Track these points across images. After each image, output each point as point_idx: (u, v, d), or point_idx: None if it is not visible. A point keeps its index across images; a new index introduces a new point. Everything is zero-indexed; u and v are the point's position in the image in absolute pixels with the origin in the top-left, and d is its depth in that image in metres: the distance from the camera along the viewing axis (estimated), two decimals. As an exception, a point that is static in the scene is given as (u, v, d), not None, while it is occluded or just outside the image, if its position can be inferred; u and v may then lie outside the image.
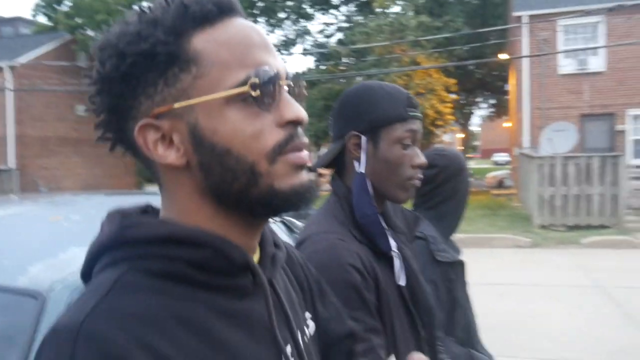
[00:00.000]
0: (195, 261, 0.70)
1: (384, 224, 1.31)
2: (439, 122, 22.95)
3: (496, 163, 51.67)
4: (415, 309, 1.34)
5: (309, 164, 0.74)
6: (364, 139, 1.31)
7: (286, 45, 29.89)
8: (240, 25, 0.73)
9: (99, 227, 0.76)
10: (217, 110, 0.69)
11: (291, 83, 0.75)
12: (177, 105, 0.69)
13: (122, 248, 0.71)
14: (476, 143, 79.57)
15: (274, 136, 0.71)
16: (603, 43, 17.71)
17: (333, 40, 28.59)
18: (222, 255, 0.71)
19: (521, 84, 18.80)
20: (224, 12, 0.72)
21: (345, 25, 28.36)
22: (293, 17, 30.16)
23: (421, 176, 1.36)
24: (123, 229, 0.72)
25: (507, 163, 39.17)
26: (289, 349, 0.78)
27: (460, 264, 2.07)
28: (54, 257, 1.02)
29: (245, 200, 0.71)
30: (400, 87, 1.38)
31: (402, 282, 1.31)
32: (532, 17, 18.53)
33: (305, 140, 0.74)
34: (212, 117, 0.69)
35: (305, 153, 0.73)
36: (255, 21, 28.77)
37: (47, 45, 21.21)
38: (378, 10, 23.03)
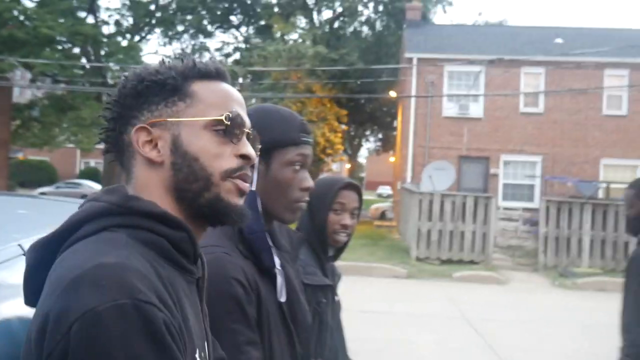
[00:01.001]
0: (174, 240, 0.89)
1: (270, 242, 1.35)
2: (329, 151, 23.46)
3: (380, 195, 53.45)
4: (293, 325, 1.38)
5: (246, 192, 0.97)
6: (257, 158, 1.36)
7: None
8: (226, 86, 1.01)
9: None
10: (197, 130, 0.94)
11: (249, 131, 1.01)
12: (170, 119, 0.94)
13: (122, 216, 0.87)
14: (362, 175, 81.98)
15: (229, 162, 0.95)
16: (482, 91, 19.05)
17: (230, 60, 28.54)
18: (192, 240, 0.92)
19: (408, 121, 19.74)
20: (219, 75, 1.00)
21: (244, 46, 28.45)
22: (192, 31, 29.82)
23: (307, 199, 1.41)
24: (127, 199, 0.90)
25: (390, 196, 40.64)
26: (205, 343, 0.96)
27: (331, 288, 2.14)
28: None
29: (199, 199, 0.93)
30: (295, 113, 1.45)
31: (282, 298, 1.36)
32: (421, 60, 19.61)
33: (249, 174, 0.98)
34: (192, 134, 0.94)
35: (247, 184, 0.97)
36: (152, 31, 28.13)
37: None
38: (277, 35, 23.33)
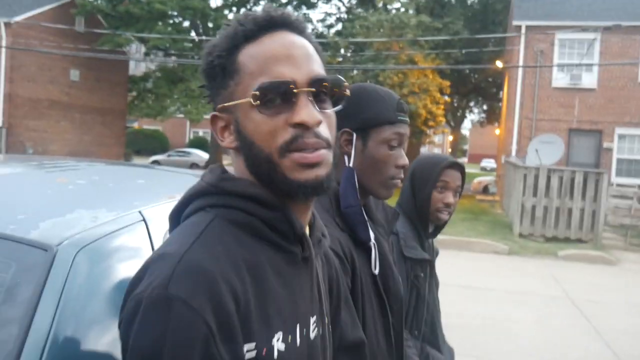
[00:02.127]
0: (269, 220, 0.88)
1: (365, 216, 1.41)
2: (431, 123, 23.08)
3: (483, 169, 52.05)
4: (386, 296, 1.44)
5: (318, 161, 0.87)
6: (354, 136, 1.41)
7: (286, 30, 29.65)
8: (274, 39, 0.90)
9: (104, 191, 0.91)
10: (247, 111, 0.88)
11: (312, 89, 0.88)
12: (227, 104, 0.90)
13: (215, 196, 0.90)
14: (465, 147, 80.00)
15: (284, 135, 0.86)
16: (597, 60, 17.91)
17: (332, 31, 28.59)
18: (288, 221, 0.89)
19: (514, 93, 18.98)
20: (264, 28, 0.90)
21: (346, 17, 28.36)
22: (295, 2, 30.09)
23: (402, 175, 1.46)
24: (221, 180, 0.91)
25: (493, 169, 39.49)
26: (312, 319, 0.95)
27: (429, 263, 2.18)
28: (62, 216, 1.11)
29: (272, 182, 0.88)
30: (392, 92, 1.49)
31: (376, 270, 1.42)
32: (530, 27, 18.68)
33: (313, 140, 0.87)
34: (244, 116, 0.88)
35: (311, 154, 0.87)
36: (257, 3, 28.67)
37: (46, 6, 20.97)
38: (379, 5, 23.04)
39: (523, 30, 18.74)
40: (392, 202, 1.83)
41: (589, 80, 18.46)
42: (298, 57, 0.89)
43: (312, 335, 0.94)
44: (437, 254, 2.38)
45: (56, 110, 21.45)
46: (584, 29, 17.53)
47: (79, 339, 0.97)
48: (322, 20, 31.28)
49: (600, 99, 18.30)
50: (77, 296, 0.98)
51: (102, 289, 1.06)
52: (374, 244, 1.42)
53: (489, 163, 50.96)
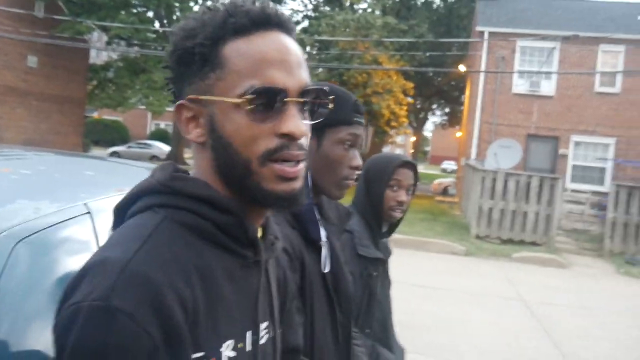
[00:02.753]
0: (221, 224, 0.84)
1: (317, 215, 1.41)
2: (393, 124, 23.29)
3: (444, 170, 52.76)
4: (336, 295, 1.44)
5: (297, 175, 0.85)
6: (304, 141, 1.41)
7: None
8: (267, 40, 0.84)
9: (50, 182, 0.86)
10: (228, 110, 0.83)
11: (300, 99, 0.85)
12: (201, 97, 0.85)
13: (166, 195, 0.85)
14: (427, 148, 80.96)
15: (267, 143, 0.82)
16: (556, 69, 18.35)
17: (299, 28, 28.56)
18: (241, 225, 0.85)
19: (475, 97, 19.30)
20: (257, 25, 0.84)
21: (313, 14, 28.36)
22: (262, -2, 29.88)
23: (355, 176, 1.46)
24: (172, 179, 0.86)
25: (454, 171, 40.08)
26: (264, 325, 0.92)
27: (383, 262, 2.19)
28: (1, 207, 1.07)
29: (242, 187, 0.85)
30: (349, 92, 1.49)
31: (326, 269, 1.42)
32: (492, 34, 19.04)
33: (297, 152, 0.84)
34: (224, 114, 0.83)
35: (292, 168, 0.84)
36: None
37: (4, -10, 20.33)
38: (346, 4, 23.11)
39: (486, 36, 19.09)
40: (346, 200, 1.84)
41: (548, 87, 18.92)
42: (291, 63, 0.85)
43: (263, 340, 0.91)
44: (390, 253, 2.40)
45: (12, 96, 20.84)
46: (544, 38, 17.93)
47: (17, 335, 0.94)
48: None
49: (557, 106, 18.76)
50: (15, 290, 0.95)
51: (44, 282, 1.03)
52: (324, 243, 1.42)
53: (450, 165, 51.70)
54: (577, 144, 18.84)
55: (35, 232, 1.03)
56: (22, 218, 1.04)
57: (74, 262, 1.12)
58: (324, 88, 0.91)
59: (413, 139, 43.27)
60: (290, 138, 0.83)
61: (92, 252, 1.15)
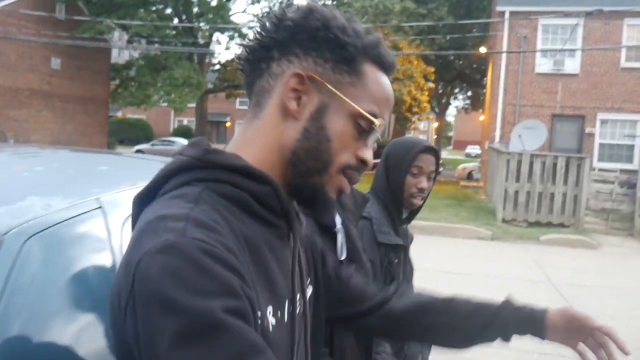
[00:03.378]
0: (258, 194, 0.86)
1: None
2: (415, 109, 23.14)
3: (468, 155, 52.27)
4: None
5: (347, 192, 0.94)
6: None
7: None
8: (387, 82, 0.96)
9: (62, 178, 0.86)
10: (344, 112, 0.89)
11: (379, 135, 0.96)
12: (328, 85, 0.89)
13: (202, 169, 0.86)
14: (450, 134, 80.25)
15: (350, 159, 0.91)
16: (580, 46, 17.98)
17: (317, 18, 28.37)
18: (277, 196, 0.88)
19: (497, 79, 19.02)
20: (387, 69, 0.95)
21: (330, 2, 28.20)
22: (279, -11, 29.84)
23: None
24: (207, 153, 0.87)
25: (478, 156, 39.68)
26: (298, 297, 0.96)
27: (404, 249, 2.16)
28: (12, 204, 1.08)
29: (305, 177, 0.90)
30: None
31: (343, 256, 1.40)
32: (513, 13, 18.72)
33: (359, 178, 0.95)
34: (339, 113, 0.89)
35: (349, 187, 0.94)
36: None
37: (25, -6, 20.58)
38: (364, -9, 22.91)
39: (507, 15, 18.77)
40: (363, 187, 1.82)
41: (572, 65, 18.56)
42: (391, 107, 0.97)
43: (297, 311, 0.95)
44: (411, 239, 2.37)
45: (37, 99, 21.17)
46: (567, 14, 17.57)
47: (31, 331, 0.95)
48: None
49: (582, 84, 18.40)
50: (28, 286, 0.96)
51: (58, 278, 1.03)
52: (340, 230, 1.41)
53: (474, 149, 51.18)
54: (604, 121, 18.47)
55: (47, 228, 1.04)
56: (33, 214, 1.04)
57: (87, 258, 1.13)
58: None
59: (436, 124, 42.91)
60: (363, 164, 0.92)
61: (105, 248, 1.17)
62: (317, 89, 0.89)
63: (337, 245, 1.40)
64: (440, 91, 35.52)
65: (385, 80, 0.94)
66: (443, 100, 37.57)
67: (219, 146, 0.95)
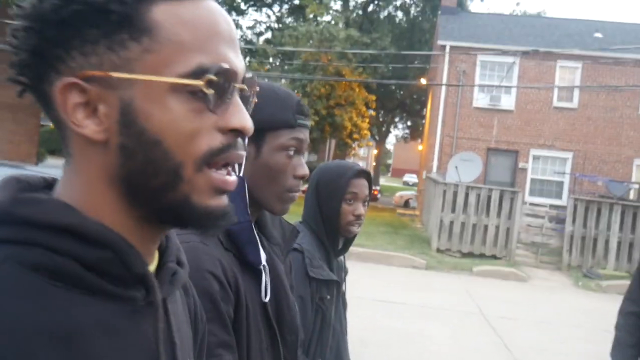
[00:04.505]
0: (92, 261, 0.60)
1: (256, 234, 1.23)
2: (356, 136, 23.29)
3: (406, 183, 53.13)
4: (279, 327, 1.26)
5: (232, 188, 0.66)
6: (246, 140, 1.23)
7: (214, 36, 29.41)
8: (210, 8, 0.64)
9: None
10: (159, 94, 0.61)
11: (245, 87, 0.68)
12: (115, 74, 0.60)
13: (7, 226, 0.60)
14: (389, 161, 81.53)
15: (210, 141, 0.63)
16: (515, 83, 18.63)
17: (262, 39, 28.42)
18: (122, 261, 0.62)
19: (437, 110, 19.43)
20: None
21: (276, 25, 28.28)
22: (225, 8, 29.70)
23: (301, 188, 1.29)
24: (15, 203, 0.61)
25: (416, 184, 40.35)
26: None
27: (337, 284, 2.02)
28: None
29: (158, 201, 0.63)
30: (292, 92, 1.31)
31: (267, 298, 1.23)
32: (454, 47, 19.24)
33: (243, 153, 0.67)
34: (151, 101, 0.61)
35: (232, 178, 0.66)
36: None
37: (-45, -5, 19.63)
38: (310, 16, 23.10)
39: (447, 49, 19.26)
40: (292, 217, 1.67)
41: (508, 102, 19.18)
42: (237, 40, 0.67)
43: None
44: (346, 273, 2.23)
45: (-38, 104, 20.09)
46: (504, 52, 18.18)
47: None
48: (252, 28, 31.04)
49: (517, 120, 19.02)
50: None
51: None
52: (265, 267, 1.24)
53: (411, 178, 52.07)
54: (536, 157, 19.11)
55: None
56: None
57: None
58: (254, 77, 0.73)
59: (375, 151, 43.46)
60: (237, 135, 0.65)
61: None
62: (108, 87, 0.61)
63: (262, 285, 1.23)
64: (381, 119, 36.04)
65: (195, 9, 0.63)
66: (383, 128, 38.11)
67: None
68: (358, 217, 2.02)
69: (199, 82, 0.60)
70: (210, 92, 0.61)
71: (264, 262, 1.23)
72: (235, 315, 1.14)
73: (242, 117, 0.65)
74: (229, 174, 0.65)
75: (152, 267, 0.69)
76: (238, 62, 0.65)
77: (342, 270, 2.18)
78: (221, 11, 0.66)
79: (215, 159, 0.63)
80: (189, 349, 0.77)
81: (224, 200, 0.66)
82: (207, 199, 0.64)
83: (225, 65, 0.62)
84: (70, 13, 0.59)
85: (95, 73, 0.60)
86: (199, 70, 0.61)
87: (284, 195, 1.25)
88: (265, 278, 1.23)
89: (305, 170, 1.27)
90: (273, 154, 1.23)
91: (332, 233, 2.02)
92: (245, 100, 0.69)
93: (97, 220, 0.62)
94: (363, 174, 2.06)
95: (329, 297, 1.95)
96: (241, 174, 1.21)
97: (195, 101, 0.61)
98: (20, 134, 23.01)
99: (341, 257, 2.18)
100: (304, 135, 1.27)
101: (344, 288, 2.15)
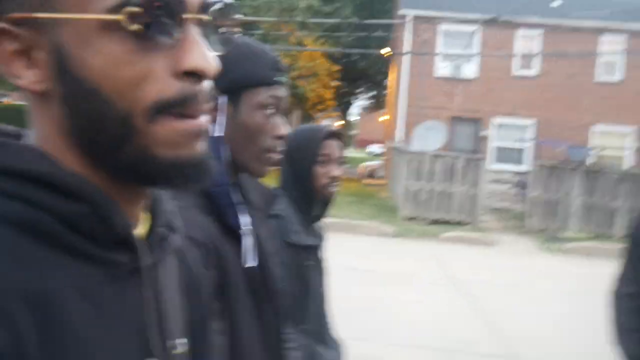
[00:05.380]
0: (69, 216, 0.54)
1: (237, 198, 1.17)
2: (320, 107, 23.20)
3: (370, 154, 53.35)
4: (264, 292, 1.21)
5: (200, 132, 0.57)
6: (222, 99, 1.16)
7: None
8: None
9: None
10: (89, 35, 0.53)
11: (205, 17, 0.56)
12: (39, 15, 0.53)
13: None
14: (354, 132, 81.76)
15: (162, 87, 0.54)
16: (477, 52, 18.72)
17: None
18: (101, 217, 0.56)
19: (399, 80, 19.43)
20: None
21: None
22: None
23: (282, 148, 1.23)
24: None
25: (381, 155, 40.57)
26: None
27: (316, 249, 1.98)
28: None
29: (114, 157, 0.56)
30: (268, 48, 1.24)
31: (250, 263, 1.18)
32: (416, 17, 19.19)
33: (207, 104, 0.57)
34: (82, 43, 0.53)
35: (201, 119, 0.56)
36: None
37: None
38: (270, -14, 22.71)
39: (408, 19, 19.19)
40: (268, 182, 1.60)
41: (470, 70, 19.29)
42: None
43: None
44: (322, 238, 2.19)
45: None
46: (465, 21, 18.22)
47: None
48: (211, -1, 30.41)
49: (479, 88, 19.16)
50: None
51: None
52: (247, 231, 1.18)
53: (376, 149, 52.32)
54: (499, 125, 19.34)
55: None
56: None
57: None
58: (233, 2, 0.61)
59: (340, 122, 43.45)
60: (197, 79, 0.55)
61: None
62: (37, 32, 0.54)
63: (242, 250, 1.17)
64: (345, 90, 35.97)
65: None
66: (346, 100, 38.06)
67: None
68: (333, 178, 1.98)
69: (117, 17, 0.51)
70: (136, 27, 0.52)
71: (244, 226, 1.17)
72: (219, 282, 1.09)
73: (198, 56, 0.54)
74: (195, 117, 0.56)
75: (139, 231, 0.63)
76: None
77: (319, 236, 2.14)
78: None
79: (171, 110, 0.55)
80: (181, 321, 0.69)
81: (196, 147, 0.57)
82: (169, 150, 0.56)
83: None
84: None
85: (20, 15, 0.53)
86: (129, 1, 0.52)
87: (263, 156, 1.20)
88: (246, 242, 1.18)
89: (284, 130, 1.21)
90: (250, 112, 1.18)
91: (307, 197, 1.97)
92: (213, 34, 0.59)
93: (73, 171, 0.56)
94: (334, 135, 2.02)
95: (309, 262, 1.92)
96: (218, 134, 1.15)
97: (135, 40, 0.53)
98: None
99: (319, 223, 2.14)
100: (282, 92, 1.22)
101: (321, 254, 2.12)
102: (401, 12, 19.66)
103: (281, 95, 1.21)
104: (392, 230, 11.78)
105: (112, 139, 0.55)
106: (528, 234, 12.78)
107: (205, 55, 0.55)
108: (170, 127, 0.55)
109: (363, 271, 8.31)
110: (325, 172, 1.96)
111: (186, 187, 0.58)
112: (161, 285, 0.65)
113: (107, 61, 0.53)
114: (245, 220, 1.18)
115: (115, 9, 0.52)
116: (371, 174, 25.72)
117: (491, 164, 18.31)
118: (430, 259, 9.75)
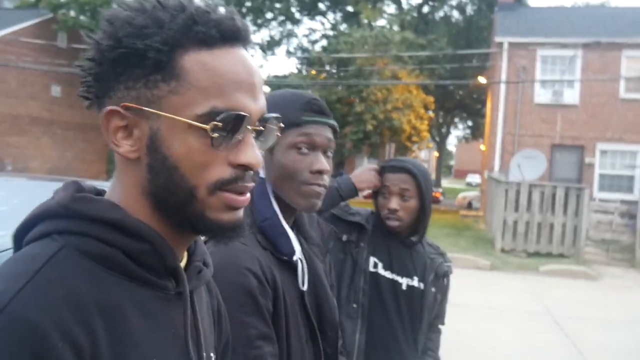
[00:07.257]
0: (133, 252, 0.74)
1: (286, 227, 1.30)
2: (415, 139, 23.14)
3: (469, 184, 52.19)
4: (318, 322, 1.33)
5: (244, 205, 0.78)
6: (261, 173, 1.31)
7: (270, 45, 29.92)
8: (235, 57, 0.76)
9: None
10: (179, 129, 0.73)
11: (260, 127, 0.79)
12: (146, 108, 0.74)
13: (66, 219, 0.74)
14: (451, 162, 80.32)
15: (221, 172, 0.75)
16: (578, 77, 18.03)
17: (317, 47, 28.66)
18: (157, 253, 0.75)
19: (497, 108, 19.04)
20: (226, 40, 0.75)
21: (331, 33, 28.46)
22: (280, 18, 30.18)
23: (322, 182, 1.32)
24: (74, 200, 0.75)
25: (478, 185, 39.62)
26: None
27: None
28: None
29: (178, 214, 0.76)
30: (306, 93, 1.37)
31: (304, 287, 1.30)
32: (512, 44, 18.81)
33: (251, 184, 0.78)
34: (173, 134, 0.73)
35: (244, 197, 0.77)
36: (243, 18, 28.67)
37: (27, 22, 20.77)
38: (364, 21, 23.16)
39: (505, 46, 18.86)
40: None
41: (571, 96, 18.57)
42: (257, 86, 0.78)
43: None
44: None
45: (37, 126, 21.19)
46: (564, 46, 17.66)
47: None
48: (307, 36, 31.37)
49: (582, 114, 18.39)
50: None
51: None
52: (299, 260, 1.31)
53: (474, 178, 51.10)
54: (604, 152, 18.41)
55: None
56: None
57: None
58: (278, 115, 0.85)
59: (436, 153, 42.93)
60: (245, 169, 0.76)
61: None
62: (142, 117, 0.74)
63: (298, 274, 1.30)
64: (441, 120, 35.62)
65: (219, 60, 0.74)
66: (443, 130, 37.65)
67: None
68: (391, 211, 2.06)
69: (205, 126, 0.72)
70: (214, 135, 0.73)
71: (298, 254, 1.30)
72: (273, 308, 1.22)
73: (249, 155, 0.76)
74: (241, 194, 0.77)
75: (182, 264, 0.82)
76: (254, 106, 0.76)
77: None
78: (245, 61, 0.77)
79: (226, 187, 0.75)
80: (212, 340, 0.90)
81: (236, 215, 0.78)
82: (220, 214, 0.76)
83: (236, 111, 0.73)
84: (119, 54, 0.73)
85: (132, 105, 0.74)
86: (213, 112, 0.73)
87: (302, 189, 1.30)
88: (301, 268, 1.30)
89: (321, 165, 1.30)
90: (284, 153, 1.31)
91: (379, 230, 2.15)
92: (264, 136, 0.82)
93: (138, 218, 0.76)
94: (395, 169, 2.11)
95: (355, 240, 2.08)
96: (262, 176, 1.30)
97: (205, 141, 0.73)
98: (91, 152, 24.06)
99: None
100: (315, 130, 1.32)
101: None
102: (497, 39, 19.36)
103: (313, 132, 1.31)
104: (488, 263, 11.48)
105: (180, 202, 0.75)
106: (638, 267, 12.01)
107: (255, 155, 0.76)
108: (223, 199, 0.76)
109: (459, 305, 8.14)
110: (384, 203, 2.07)
111: (225, 240, 0.80)
112: (197, 308, 0.84)
113: (188, 149, 0.73)
114: (298, 248, 1.31)
115: (202, 117, 0.73)
116: (469, 205, 25.19)
117: (597, 193, 17.44)
118: (529, 293, 9.41)
